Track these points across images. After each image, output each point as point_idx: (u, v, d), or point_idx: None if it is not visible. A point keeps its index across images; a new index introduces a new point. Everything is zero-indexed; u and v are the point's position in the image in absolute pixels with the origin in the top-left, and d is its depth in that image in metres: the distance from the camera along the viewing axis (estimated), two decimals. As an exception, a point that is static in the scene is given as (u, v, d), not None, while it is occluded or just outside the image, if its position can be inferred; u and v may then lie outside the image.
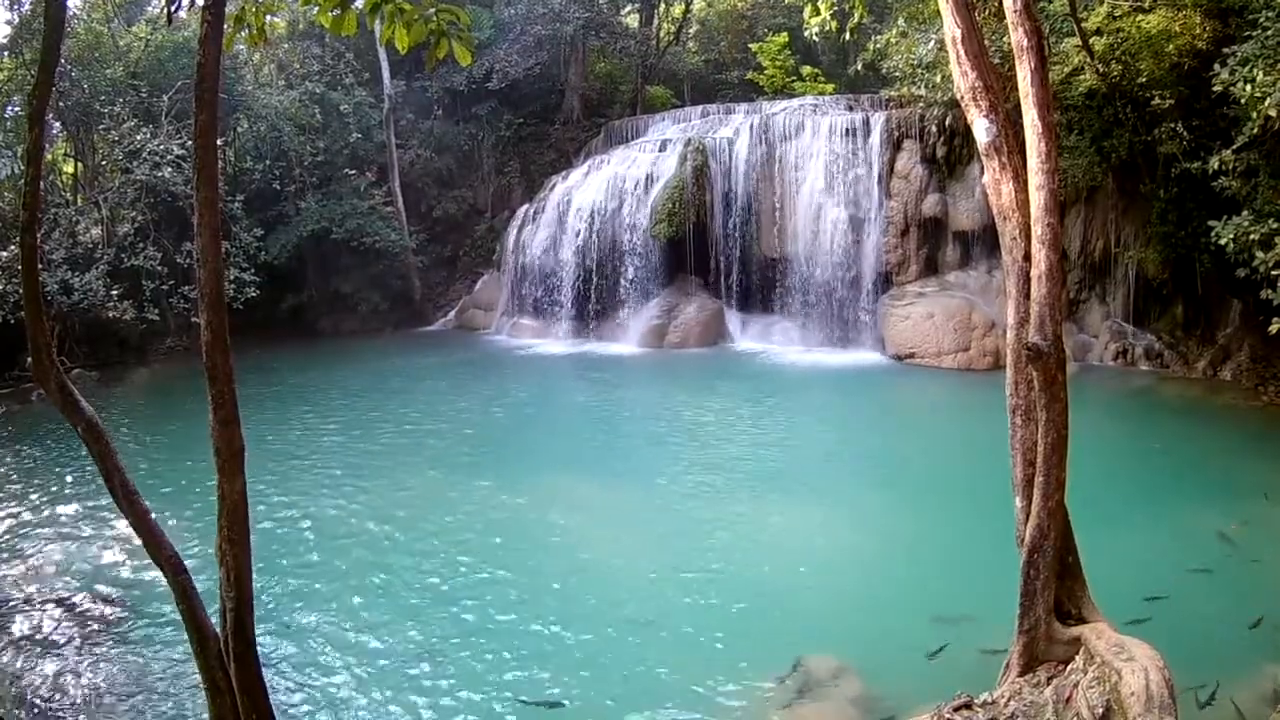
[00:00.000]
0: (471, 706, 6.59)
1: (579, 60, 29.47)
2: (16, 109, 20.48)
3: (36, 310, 4.97)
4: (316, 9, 4.54)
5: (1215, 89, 12.03)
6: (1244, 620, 7.30)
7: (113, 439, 4.98)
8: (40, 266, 7.97)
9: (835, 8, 8.69)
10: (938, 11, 6.74)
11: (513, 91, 27.76)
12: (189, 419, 13.70)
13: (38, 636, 7.76)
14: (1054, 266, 5.17)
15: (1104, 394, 16.53)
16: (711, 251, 22.88)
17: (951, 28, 5.76)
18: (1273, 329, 11.45)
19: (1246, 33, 11.96)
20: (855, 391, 18.24)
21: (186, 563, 4.95)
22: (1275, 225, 11.53)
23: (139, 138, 20.75)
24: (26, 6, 19.85)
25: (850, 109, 23.08)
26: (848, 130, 21.74)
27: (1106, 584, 5.87)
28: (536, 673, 7.03)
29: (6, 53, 21.16)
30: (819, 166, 21.82)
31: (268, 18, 5.69)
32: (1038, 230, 5.23)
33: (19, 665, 7.25)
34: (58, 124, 22.40)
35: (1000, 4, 7.05)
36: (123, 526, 9.40)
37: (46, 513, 10.89)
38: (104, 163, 22.83)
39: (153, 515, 4.98)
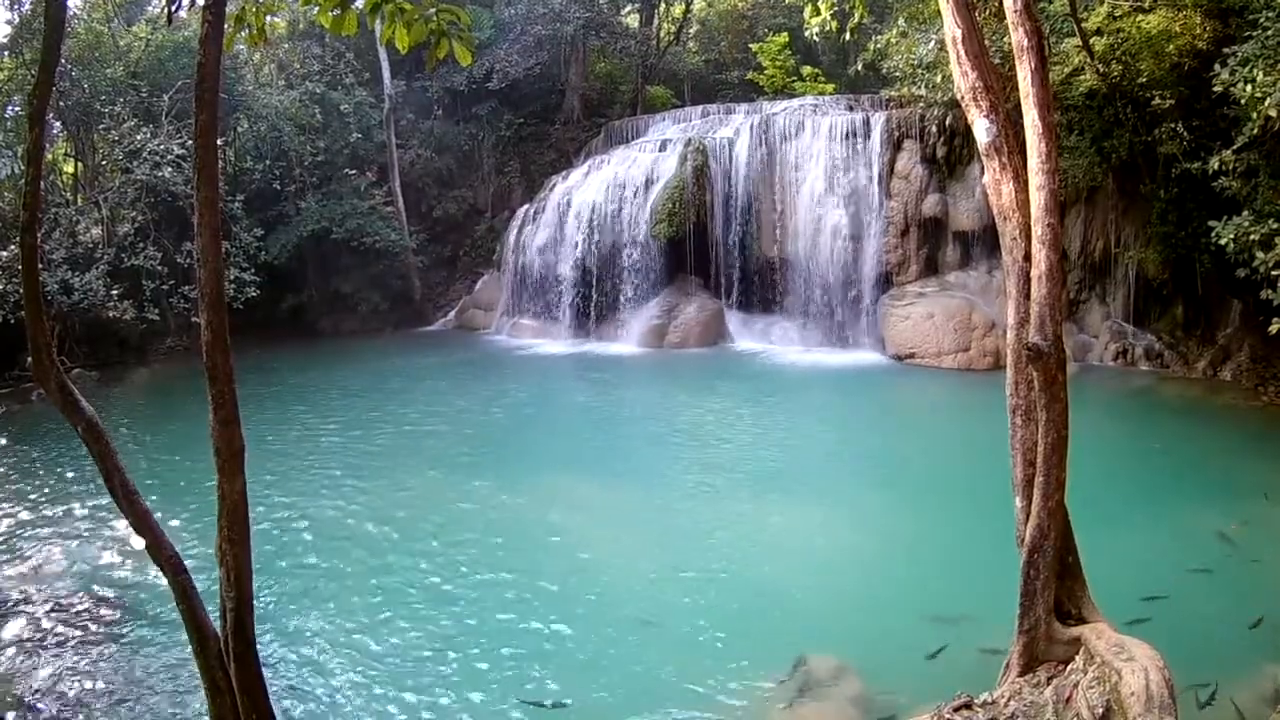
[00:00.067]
0: (472, 707, 6.59)
1: (579, 60, 29.46)
2: (16, 109, 20.48)
3: (36, 310, 4.97)
4: (316, 9, 4.54)
5: (1215, 89, 12.02)
6: (1244, 620, 7.30)
7: (113, 439, 4.98)
8: (40, 266, 7.97)
9: (835, 8, 8.69)
10: (938, 11, 6.74)
11: (513, 91, 27.75)
12: (189, 419, 13.69)
13: (38, 636, 7.76)
14: (1054, 267, 5.17)
15: (1104, 394, 16.53)
16: (711, 251, 22.87)
17: (952, 28, 5.76)
18: (1273, 329, 11.45)
19: (1247, 33, 11.96)
20: (855, 391, 18.23)
21: (186, 563, 4.95)
22: (1275, 225, 11.52)
23: (139, 137, 20.76)
24: (26, 6, 19.86)
25: (850, 109, 23.08)
26: (848, 130, 21.74)
27: (1106, 584, 5.87)
28: (537, 673, 7.03)
29: (6, 53, 21.16)
30: (819, 167, 21.82)
31: (268, 18, 5.69)
32: (1038, 230, 5.23)
33: (19, 665, 7.25)
34: (58, 124, 22.40)
35: (1000, 4, 7.06)
36: (123, 526, 9.40)
37: (46, 513, 10.89)
38: (104, 162, 22.83)
39: (153, 515, 4.98)
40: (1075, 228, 19.20)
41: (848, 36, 11.38)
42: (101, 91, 21.62)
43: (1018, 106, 5.48)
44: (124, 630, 7.85)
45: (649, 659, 7.22)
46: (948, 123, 20.33)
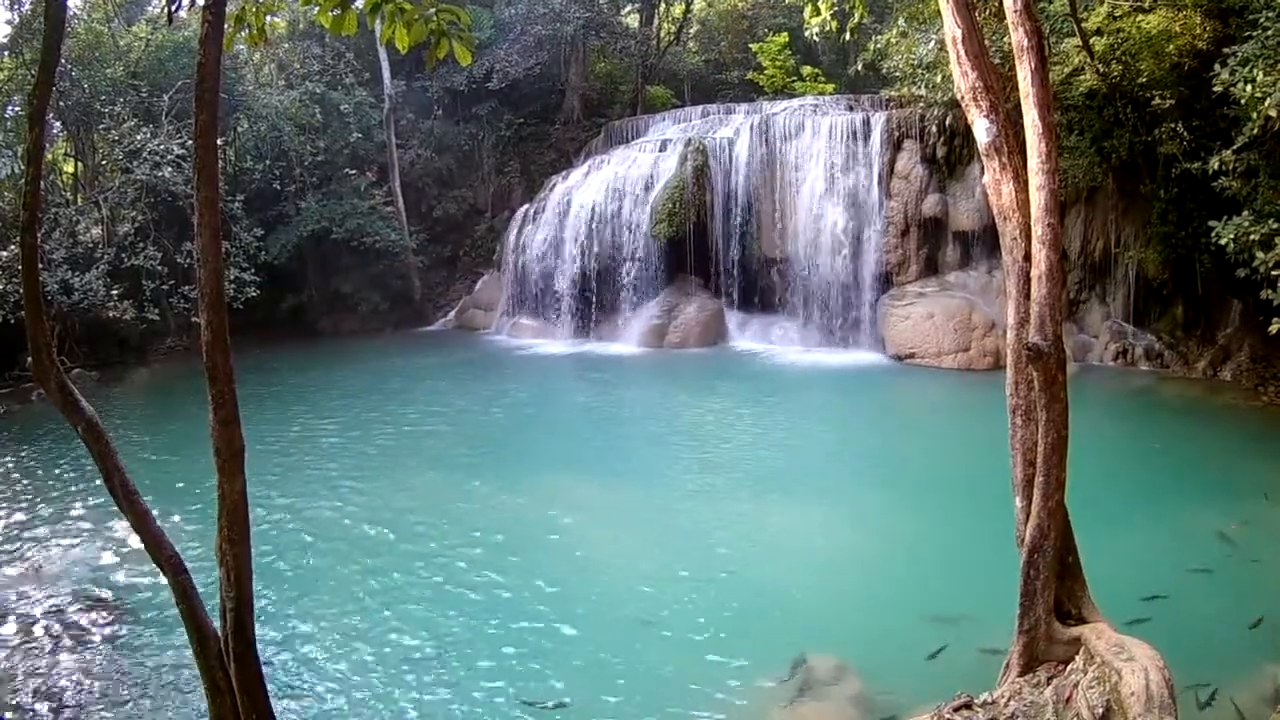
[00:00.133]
0: (472, 706, 6.59)
1: (579, 60, 29.46)
2: (16, 109, 20.48)
3: (36, 310, 4.97)
4: (316, 9, 4.53)
5: (1215, 89, 12.02)
6: (1244, 620, 7.30)
7: (112, 439, 4.98)
8: (40, 266, 7.97)
9: (836, 8, 8.70)
10: (938, 11, 6.74)
11: (513, 91, 27.75)
12: (189, 419, 13.70)
13: (37, 637, 7.76)
14: (1054, 267, 5.17)
15: (1104, 394, 16.53)
16: (711, 251, 22.88)
17: (952, 28, 5.76)
18: (1273, 329, 11.44)
19: (1247, 33, 11.96)
20: (855, 391, 18.23)
21: (186, 563, 4.95)
22: (1275, 225, 11.52)
23: (139, 137, 20.76)
24: (27, 6, 19.86)
25: (850, 109, 23.07)
26: (848, 130, 21.74)
27: (1106, 584, 5.87)
28: (537, 672, 7.03)
29: (6, 53, 21.16)
30: (819, 167, 21.82)
31: (268, 18, 5.69)
32: (1038, 230, 5.23)
33: (19, 666, 7.25)
34: (58, 124, 22.40)
35: (1000, 4, 7.05)
36: (122, 526, 9.41)
37: (46, 513, 10.89)
38: (104, 162, 22.83)
39: (152, 515, 4.98)
40: (1075, 228, 19.20)
41: (848, 36, 11.39)
42: (101, 91, 21.62)
43: (1018, 106, 5.48)
44: (124, 630, 7.85)
45: (649, 659, 7.22)
46: (948, 123, 20.32)
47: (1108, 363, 18.34)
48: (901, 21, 19.11)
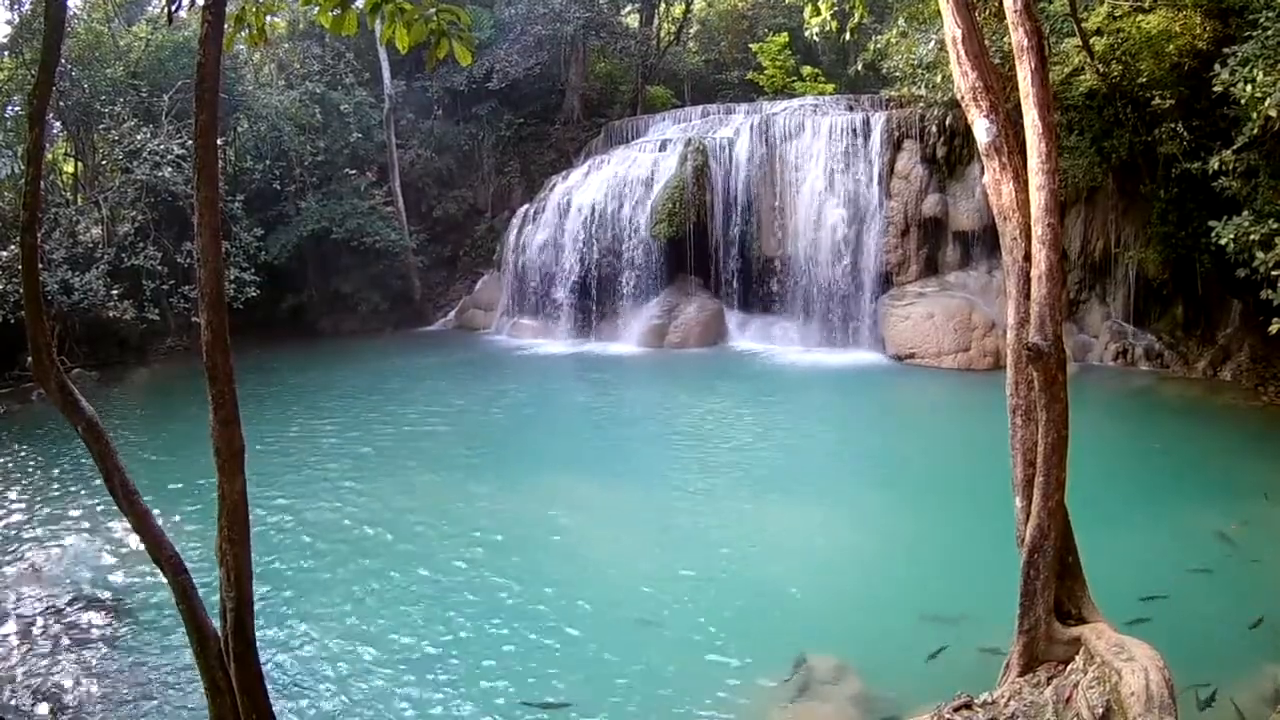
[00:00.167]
0: (473, 706, 6.59)
1: (579, 60, 29.46)
2: (16, 109, 20.48)
3: (36, 310, 4.97)
4: (316, 9, 4.53)
5: (1215, 89, 12.02)
6: (1244, 620, 7.30)
7: (112, 439, 4.98)
8: (40, 266, 7.97)
9: (836, 8, 8.69)
10: (938, 11, 6.74)
11: (513, 91, 27.75)
12: (189, 419, 13.70)
13: (37, 637, 7.76)
14: (1054, 267, 5.17)
15: (1104, 394, 16.53)
16: (711, 251, 22.88)
17: (952, 28, 5.76)
18: (1273, 329, 11.44)
19: (1247, 33, 11.96)
20: (855, 391, 18.23)
21: (186, 563, 4.95)
22: (1275, 225, 11.52)
23: (139, 137, 20.76)
24: (27, 6, 19.86)
25: (850, 109, 23.07)
26: (848, 130, 21.74)
27: (1106, 584, 5.86)
28: (538, 672, 7.03)
29: (7, 53, 21.16)
30: (819, 166, 21.82)
31: (268, 18, 5.69)
32: (1038, 230, 5.23)
33: (18, 666, 7.25)
34: (58, 124, 22.40)
35: (1000, 4, 7.05)
36: (122, 526, 9.41)
37: (46, 512, 10.89)
38: (104, 162, 22.83)
39: (153, 515, 4.98)
40: (1075, 228, 19.20)
41: (848, 36, 11.38)
42: (101, 91, 21.62)
43: (1018, 106, 5.48)
44: (123, 630, 7.85)
45: (650, 659, 7.22)
46: (948, 123, 20.32)
47: (1108, 363, 18.34)
48: (901, 21, 19.11)
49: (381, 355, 22.08)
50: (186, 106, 20.67)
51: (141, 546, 5.07)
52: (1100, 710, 4.72)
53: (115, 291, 19.66)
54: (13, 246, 16.92)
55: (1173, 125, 14.71)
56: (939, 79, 17.41)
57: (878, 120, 21.56)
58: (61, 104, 21.16)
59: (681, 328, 21.89)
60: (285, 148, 24.18)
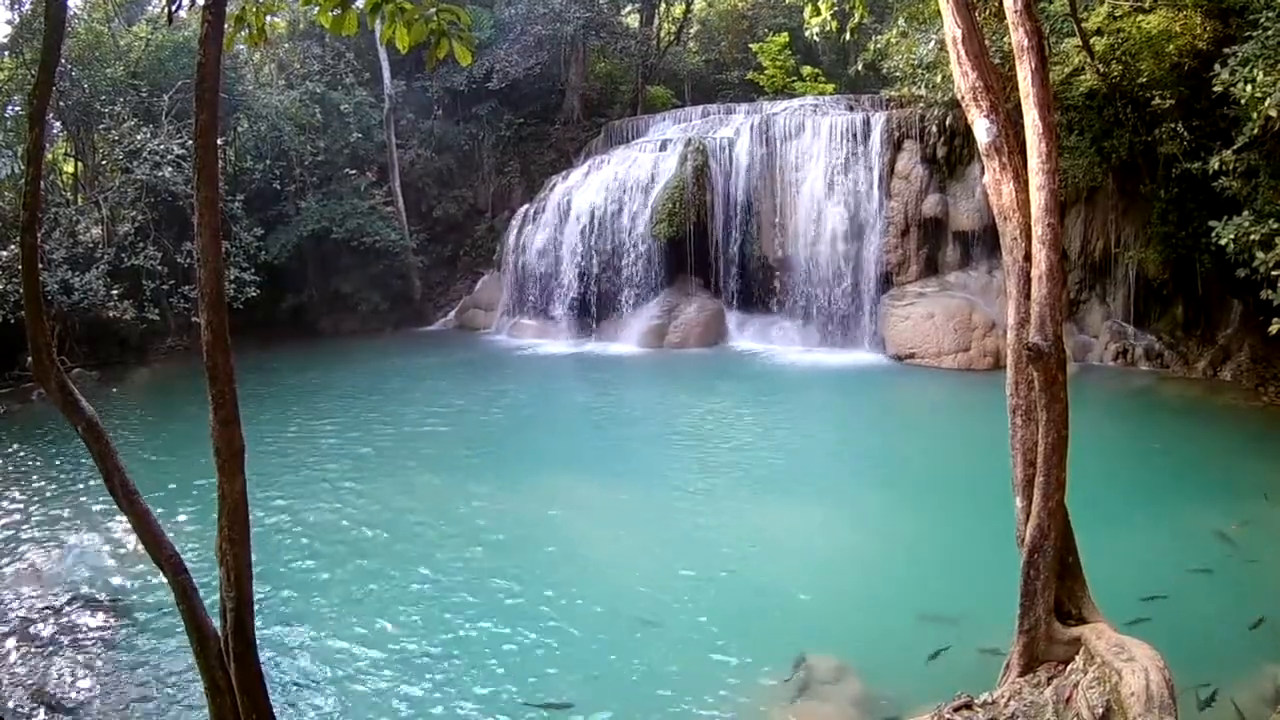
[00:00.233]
0: (473, 706, 6.58)
1: (579, 60, 29.47)
2: (17, 109, 20.49)
3: (37, 310, 4.97)
4: (317, 9, 4.53)
5: (1215, 89, 12.02)
6: (1244, 620, 7.30)
7: (112, 439, 4.97)
8: (40, 266, 7.97)
9: (836, 8, 8.69)
10: (938, 11, 6.74)
11: (513, 91, 27.76)
12: (189, 419, 13.71)
13: (37, 637, 7.76)
14: (1054, 267, 5.17)
15: (1104, 394, 16.52)
16: (712, 252, 22.88)
17: (952, 28, 5.76)
18: (1273, 329, 11.44)
19: (1247, 33, 11.96)
20: (855, 391, 18.23)
21: (186, 563, 4.95)
22: (1276, 225, 11.52)
23: (139, 137, 20.77)
24: (27, 6, 19.87)
25: (850, 109, 23.08)
26: (848, 130, 21.74)
27: (1106, 584, 5.86)
28: (538, 673, 7.03)
29: (7, 53, 21.17)
30: (819, 167, 21.82)
31: (268, 17, 5.69)
32: (1038, 230, 5.23)
33: (18, 666, 7.25)
34: (58, 124, 22.41)
35: (1000, 4, 7.05)
36: (122, 526, 9.42)
37: (46, 512, 10.89)
38: (104, 162, 22.84)
39: (153, 515, 4.97)
40: (1075, 228, 19.20)
41: (848, 36, 11.39)
42: (101, 91, 21.63)
43: (1018, 106, 5.48)
44: (123, 630, 7.85)
45: (650, 659, 7.22)
46: (948, 123, 20.32)
47: (1108, 363, 18.34)
48: (901, 21, 19.11)
49: (381, 355, 22.08)
50: (186, 106, 20.68)
51: (141, 546, 5.06)
52: (1100, 710, 4.72)
53: (115, 291, 19.68)
54: (13, 246, 16.93)
55: (1173, 125, 14.71)
56: (939, 79, 17.41)
57: (878, 120, 21.56)
58: (61, 104, 21.17)
59: (681, 328, 21.89)
60: (285, 148, 24.19)
